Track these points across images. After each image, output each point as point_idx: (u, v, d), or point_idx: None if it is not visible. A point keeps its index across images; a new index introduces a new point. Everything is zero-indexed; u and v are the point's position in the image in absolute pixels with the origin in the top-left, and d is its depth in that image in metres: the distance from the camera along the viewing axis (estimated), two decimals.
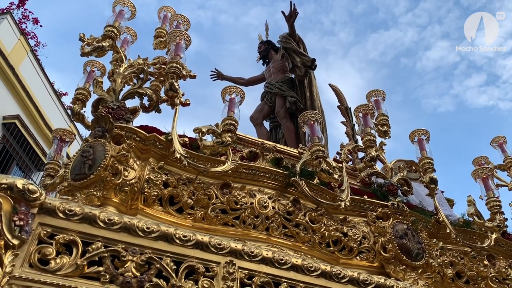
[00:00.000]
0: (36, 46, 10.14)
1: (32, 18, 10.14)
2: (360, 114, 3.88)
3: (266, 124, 6.25)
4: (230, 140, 3.03)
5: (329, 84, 6.04)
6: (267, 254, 2.43)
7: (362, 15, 23.55)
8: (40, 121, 9.11)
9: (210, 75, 6.89)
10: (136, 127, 3.07)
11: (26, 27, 10.03)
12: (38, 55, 9.84)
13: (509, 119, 21.76)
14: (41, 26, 10.25)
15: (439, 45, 22.19)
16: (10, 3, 9.84)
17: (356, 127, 5.97)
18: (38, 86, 9.37)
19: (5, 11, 9.12)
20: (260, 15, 23.74)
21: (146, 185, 2.81)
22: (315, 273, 2.49)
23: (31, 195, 1.99)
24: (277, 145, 3.71)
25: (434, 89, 22.79)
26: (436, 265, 3.33)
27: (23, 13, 9.96)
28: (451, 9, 21.55)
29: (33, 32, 10.17)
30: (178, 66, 3.19)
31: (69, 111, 10.46)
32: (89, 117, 3.61)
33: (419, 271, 3.24)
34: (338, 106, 6.06)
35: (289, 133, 5.66)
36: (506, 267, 3.67)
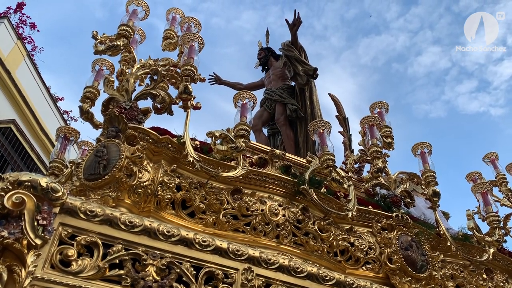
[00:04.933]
0: (33, 51, 9.97)
1: (30, 23, 9.99)
2: (366, 126, 3.91)
3: (264, 131, 6.25)
4: (243, 145, 3.02)
5: (329, 94, 6.09)
6: (283, 262, 2.42)
7: (353, 20, 23.84)
8: (36, 126, 8.94)
9: (209, 79, 6.87)
10: (149, 128, 3.03)
11: (23, 31, 9.88)
12: (34, 60, 9.69)
13: (500, 125, 22.24)
14: (38, 30, 10.12)
15: (431, 50, 22.60)
16: (8, 8, 9.69)
17: (353, 137, 6.06)
18: (34, 91, 9.22)
19: (2, 15, 8.95)
20: (252, 18, 23.80)
21: (159, 188, 2.77)
22: (329, 283, 2.49)
23: (54, 194, 1.93)
24: (286, 153, 3.70)
25: (426, 94, 23.15)
26: (439, 278, 3.37)
27: (20, 17, 9.82)
28: (443, 15, 21.97)
29: (30, 37, 10.04)
30: (193, 69, 3.17)
31: (65, 116, 10.31)
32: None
33: (423, 283, 3.27)
34: (336, 116, 6.10)
35: (289, 141, 5.67)
36: (504, 281, 3.75)
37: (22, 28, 9.86)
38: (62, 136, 3.66)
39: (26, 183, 1.86)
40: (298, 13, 5.69)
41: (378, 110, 4.33)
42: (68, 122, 10.32)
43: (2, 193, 1.81)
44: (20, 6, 9.79)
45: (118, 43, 3.17)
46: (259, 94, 6.51)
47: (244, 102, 3.32)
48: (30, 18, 10.03)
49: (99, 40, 3.23)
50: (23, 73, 8.92)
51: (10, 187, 1.84)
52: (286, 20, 5.83)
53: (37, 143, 8.98)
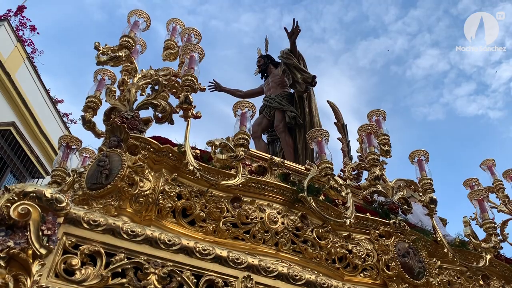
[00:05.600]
0: (33, 53, 10.06)
1: (30, 26, 10.09)
2: (364, 134, 3.98)
3: (264, 138, 6.31)
4: (243, 154, 3.08)
5: (327, 101, 6.17)
6: (282, 270, 2.47)
7: (352, 23, 24.01)
8: (35, 128, 9.01)
9: (208, 86, 6.94)
10: (150, 137, 3.08)
11: (23, 34, 9.98)
12: (34, 62, 9.77)
13: (499, 128, 22.35)
14: (38, 33, 10.22)
15: (429, 53, 22.71)
16: (8, 10, 9.80)
17: (352, 143, 6.13)
18: (34, 93, 9.30)
19: (2, 18, 9.05)
20: (250, 21, 23.99)
21: (160, 197, 2.82)
22: None
23: (59, 205, 1.98)
24: (285, 161, 3.75)
25: (424, 97, 23.28)
26: (436, 284, 3.41)
27: (20, 20, 9.91)
28: (441, 18, 22.13)
29: (30, 39, 10.13)
30: (193, 79, 3.23)
31: (64, 119, 10.38)
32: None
33: None
34: (335, 123, 6.18)
35: (288, 148, 5.73)
36: (500, 287, 3.79)
37: (22, 30, 9.97)
38: (65, 144, 3.71)
39: (31, 194, 1.91)
40: (297, 21, 5.78)
41: (376, 118, 4.40)
42: (67, 124, 10.38)
43: (8, 204, 1.86)
44: (20, 9, 9.88)
45: (120, 54, 3.23)
46: (258, 101, 6.59)
47: (244, 111, 3.38)
48: (30, 21, 10.15)
49: (101, 51, 3.29)
50: (23, 75, 9.00)
51: (16, 198, 1.89)
52: (285, 29, 5.91)
53: (36, 145, 9.04)
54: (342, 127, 6.20)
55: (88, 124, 3.34)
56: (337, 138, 6.18)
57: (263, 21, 23.11)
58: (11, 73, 8.29)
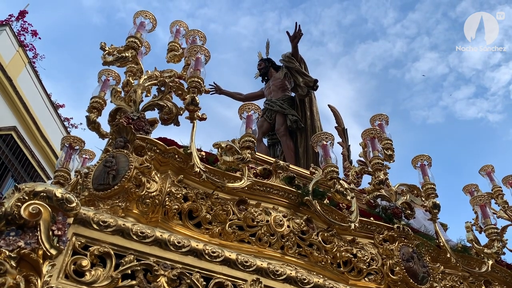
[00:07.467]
0: (34, 58, 10.02)
1: (31, 31, 10.07)
2: (368, 138, 3.97)
3: (264, 141, 6.30)
4: (249, 156, 3.06)
5: (328, 105, 6.18)
6: (291, 273, 2.45)
7: (351, 26, 24.07)
8: (37, 133, 8.98)
9: (209, 89, 6.92)
10: (156, 139, 3.06)
11: (25, 39, 9.97)
12: (36, 67, 9.73)
13: (498, 131, 22.41)
14: (39, 38, 10.18)
15: (428, 56, 22.79)
16: (10, 15, 9.78)
17: (352, 147, 6.13)
18: (35, 98, 9.29)
19: (4, 23, 9.02)
20: (249, 24, 24.02)
21: (167, 198, 2.80)
22: None
23: (69, 205, 1.96)
24: (289, 164, 3.74)
25: (423, 100, 23.32)
26: None
27: (22, 25, 9.90)
28: (440, 21, 22.19)
29: (31, 44, 10.10)
30: (200, 81, 3.21)
31: (65, 123, 10.33)
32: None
33: None
34: (335, 127, 6.19)
35: (289, 151, 5.73)
36: None
37: (23, 35, 9.93)
38: (67, 145, 3.68)
39: (42, 193, 1.89)
40: (299, 25, 5.79)
41: (379, 122, 4.40)
42: (68, 129, 10.33)
43: (19, 204, 1.83)
44: (22, 13, 9.86)
45: (127, 54, 3.21)
46: (259, 104, 6.57)
47: (250, 113, 3.37)
48: (32, 26, 10.12)
49: (107, 51, 3.27)
50: (24, 80, 8.96)
51: (26, 198, 1.86)
52: (287, 32, 5.92)
53: (37, 150, 8.99)
54: (342, 131, 6.21)
55: (93, 125, 3.32)
56: (338, 143, 6.19)
57: (261, 24, 23.18)
58: (12, 78, 8.27)
